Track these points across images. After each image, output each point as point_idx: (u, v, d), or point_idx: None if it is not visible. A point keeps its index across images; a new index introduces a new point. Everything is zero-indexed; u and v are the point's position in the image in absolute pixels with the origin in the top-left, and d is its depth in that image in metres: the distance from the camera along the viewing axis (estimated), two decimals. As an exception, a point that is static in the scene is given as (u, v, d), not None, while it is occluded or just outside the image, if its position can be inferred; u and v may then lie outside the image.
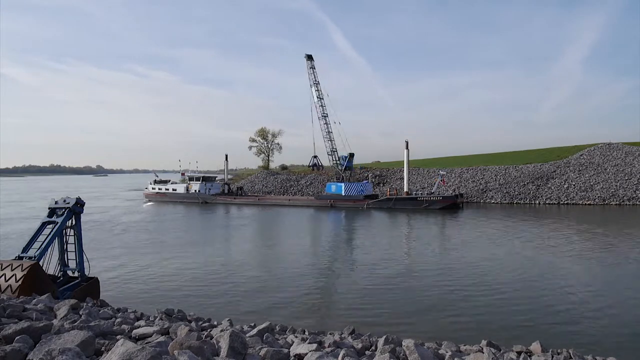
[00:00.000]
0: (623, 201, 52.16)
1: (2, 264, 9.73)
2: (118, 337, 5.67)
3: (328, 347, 6.18)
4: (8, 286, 9.23)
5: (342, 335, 8.51)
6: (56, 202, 11.95)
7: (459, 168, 70.02)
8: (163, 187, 70.71)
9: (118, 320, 7.39)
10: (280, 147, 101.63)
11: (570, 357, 7.15)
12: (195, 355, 4.15)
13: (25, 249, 10.98)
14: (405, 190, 58.67)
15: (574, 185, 57.42)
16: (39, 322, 5.28)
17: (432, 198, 52.02)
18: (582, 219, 39.99)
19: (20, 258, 10.64)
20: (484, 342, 7.64)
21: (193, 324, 8.59)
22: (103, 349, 4.70)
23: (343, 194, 57.88)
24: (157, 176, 75.83)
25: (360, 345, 6.62)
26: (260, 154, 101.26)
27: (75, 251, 12.08)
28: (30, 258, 10.57)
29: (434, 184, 57.96)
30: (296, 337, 7.76)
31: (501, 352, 7.15)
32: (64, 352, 3.72)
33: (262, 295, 16.09)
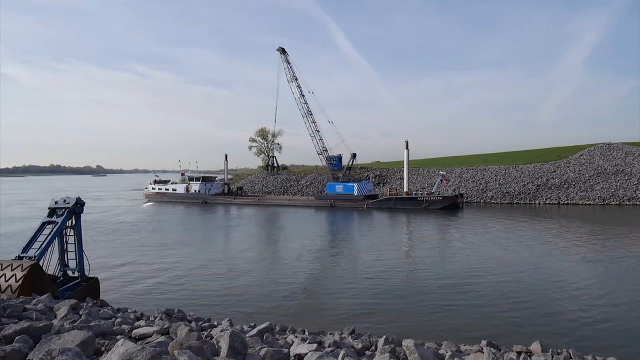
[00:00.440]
0: (623, 201, 52.17)
1: (2, 264, 9.73)
2: (118, 337, 5.68)
3: (328, 347, 6.18)
4: (8, 286, 9.23)
5: (342, 335, 8.51)
6: (56, 202, 11.95)
7: (459, 168, 70.02)
8: (163, 187, 70.69)
9: (118, 320, 7.39)
10: (280, 147, 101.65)
11: (570, 357, 7.15)
12: (195, 355, 4.15)
13: (25, 249, 10.98)
14: (405, 190, 58.67)
15: (574, 185, 57.43)
16: (39, 322, 5.28)
17: (432, 198, 52.02)
18: (582, 219, 39.99)
19: (20, 258, 10.64)
20: (484, 342, 7.64)
21: (193, 324, 8.59)
22: (103, 349, 4.70)
23: (356, 194, 57.58)
24: (157, 176, 75.81)
25: (360, 345, 6.62)
26: (260, 154, 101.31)
27: (75, 251, 12.08)
28: (30, 258, 10.57)
29: (434, 184, 57.98)
30: (296, 337, 7.76)
31: (501, 352, 7.15)
32: (64, 352, 3.73)
33: (262, 295, 16.09)
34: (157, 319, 9.08)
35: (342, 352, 5.50)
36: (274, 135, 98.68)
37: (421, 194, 55.22)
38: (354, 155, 62.88)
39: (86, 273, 12.35)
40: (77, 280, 11.96)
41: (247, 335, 6.37)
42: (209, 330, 7.59)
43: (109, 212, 50.76)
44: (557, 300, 15.01)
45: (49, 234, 11.19)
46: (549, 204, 54.66)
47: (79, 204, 12.02)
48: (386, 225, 39.31)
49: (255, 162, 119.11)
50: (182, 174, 72.80)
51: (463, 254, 23.69)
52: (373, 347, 6.81)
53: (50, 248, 11.09)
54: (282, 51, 60.70)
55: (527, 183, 60.10)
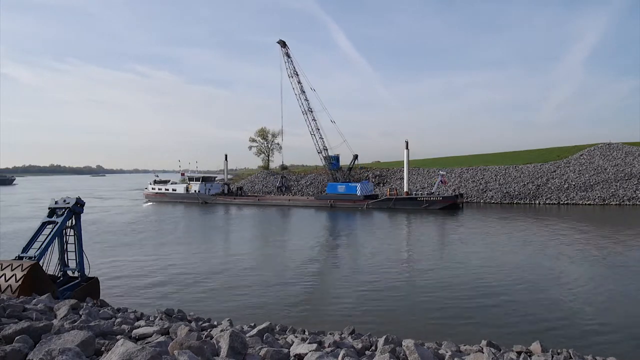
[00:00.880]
0: (623, 201, 52.18)
1: (2, 264, 9.73)
2: (118, 337, 5.68)
3: (328, 347, 6.18)
4: (8, 286, 9.23)
5: (342, 335, 8.51)
6: (56, 202, 11.95)
7: (459, 168, 70.02)
8: (163, 187, 70.69)
9: (118, 320, 7.39)
10: (280, 147, 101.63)
11: (570, 357, 7.15)
12: (195, 355, 4.15)
13: (25, 249, 10.98)
14: (405, 190, 58.65)
15: (574, 185, 57.44)
16: (39, 322, 5.28)
17: (432, 198, 52.01)
18: (582, 219, 39.99)
19: (20, 258, 10.64)
20: (484, 342, 7.64)
21: (193, 324, 8.59)
22: (103, 349, 4.70)
23: (358, 194, 57.51)
24: (157, 176, 75.81)
25: (360, 345, 6.62)
26: (260, 154, 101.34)
27: (75, 251, 12.08)
28: (30, 258, 10.57)
29: (434, 184, 57.97)
30: (296, 337, 7.76)
31: (501, 352, 7.15)
32: (64, 352, 3.73)
33: (262, 295, 16.09)
34: (157, 319, 9.08)
35: (342, 352, 5.50)
36: (274, 135, 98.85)
37: (421, 194, 55.20)
38: (355, 157, 62.60)
39: (86, 273, 12.35)
40: (77, 280, 11.96)
41: (247, 335, 6.37)
42: (209, 330, 7.59)
43: (109, 211, 50.78)
44: (557, 300, 15.01)
45: (49, 234, 11.18)
46: (549, 204, 54.67)
47: (79, 204, 12.01)
48: (386, 225, 39.31)
49: (255, 162, 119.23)
50: (182, 174, 72.78)
51: (463, 254, 23.69)
52: (373, 347, 6.81)
53: (50, 248, 11.09)
54: (283, 44, 59.84)
55: (527, 183, 60.10)
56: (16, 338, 4.52)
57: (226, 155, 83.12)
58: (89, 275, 12.49)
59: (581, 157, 64.69)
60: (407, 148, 58.04)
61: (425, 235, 32.49)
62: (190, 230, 35.95)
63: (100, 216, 44.99)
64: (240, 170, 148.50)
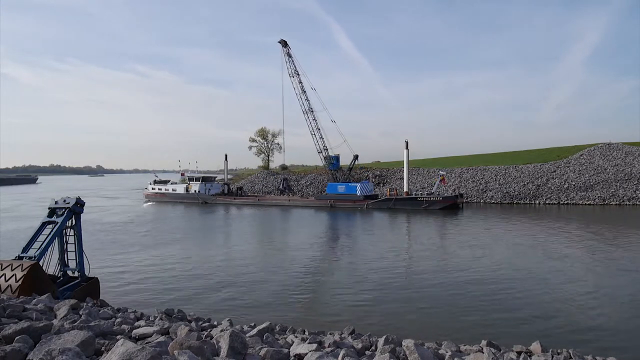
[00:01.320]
0: (623, 201, 52.19)
1: (2, 264, 9.73)
2: (118, 337, 5.68)
3: (328, 347, 6.19)
4: (8, 286, 9.23)
5: (342, 335, 8.51)
6: (56, 202, 11.96)
7: (459, 168, 70.03)
8: (163, 187, 70.71)
9: (118, 320, 7.39)
10: (280, 147, 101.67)
11: (570, 357, 7.15)
12: (195, 355, 4.15)
13: (25, 249, 10.98)
14: (405, 190, 58.66)
15: (574, 185, 57.44)
16: (39, 322, 5.28)
17: (432, 198, 52.00)
18: (582, 219, 39.99)
19: (20, 258, 10.64)
20: (484, 342, 7.64)
21: (193, 324, 8.59)
22: (103, 349, 4.70)
23: (358, 194, 57.49)
24: (156, 176, 75.84)
25: (360, 345, 6.62)
26: (260, 154, 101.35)
27: (75, 251, 12.09)
28: (30, 258, 10.57)
29: (434, 184, 57.96)
30: (296, 337, 7.76)
31: (501, 352, 7.15)
32: (64, 352, 3.73)
33: (262, 295, 16.09)
34: (157, 319, 9.08)
35: (342, 352, 5.50)
36: (274, 135, 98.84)
37: (421, 194, 55.19)
38: (356, 157, 62.58)
39: (86, 273, 12.35)
40: (77, 280, 11.97)
41: (247, 335, 6.38)
42: (209, 330, 7.59)
43: (109, 211, 50.79)
44: (557, 300, 15.01)
45: (49, 234, 11.19)
46: (549, 204, 54.68)
47: (79, 204, 12.02)
48: (386, 225, 39.31)
49: (255, 162, 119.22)
50: (182, 174, 72.79)
51: (463, 254, 23.69)
52: (373, 347, 6.81)
53: (50, 248, 11.09)
54: (284, 44, 59.73)
55: (527, 183, 60.11)
56: (16, 338, 4.52)
57: (226, 155, 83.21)
58: (89, 275, 12.50)
59: (581, 157, 64.70)
60: (407, 148, 58.05)
61: (425, 235, 32.49)
62: (190, 231, 35.94)
63: (100, 216, 44.99)
64: (240, 170, 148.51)
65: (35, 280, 9.61)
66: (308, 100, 60.08)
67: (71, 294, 11.01)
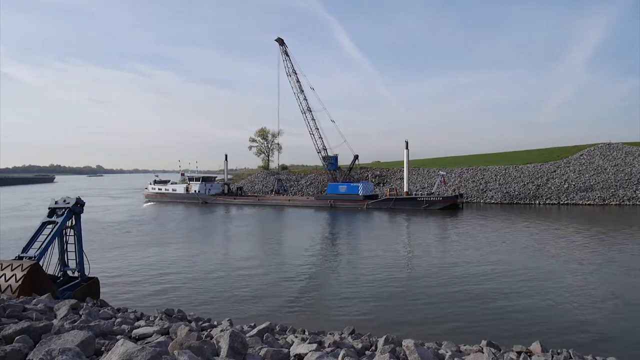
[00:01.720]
0: (623, 201, 52.19)
1: (2, 264, 9.73)
2: (118, 337, 5.68)
3: (328, 347, 6.19)
4: (8, 286, 9.23)
5: (342, 335, 8.51)
6: (56, 202, 11.95)
7: (459, 168, 70.03)
8: (163, 187, 70.74)
9: (118, 320, 7.39)
10: (280, 147, 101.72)
11: (570, 357, 7.15)
12: (195, 355, 4.15)
13: (25, 249, 10.97)
14: (405, 190, 58.66)
15: (574, 185, 57.44)
16: (39, 322, 5.28)
17: (432, 198, 52.00)
18: (583, 219, 40.00)
19: (20, 258, 10.64)
20: (484, 342, 7.64)
21: (193, 324, 8.59)
22: (103, 349, 4.70)
23: (360, 194, 57.44)
24: (156, 176, 75.88)
25: (360, 345, 6.62)
26: (260, 154, 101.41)
27: (75, 251, 12.08)
28: (30, 258, 10.57)
29: (434, 184, 57.96)
30: (296, 337, 7.76)
31: (501, 352, 7.15)
32: (64, 352, 3.73)
33: (262, 295, 16.09)
34: (157, 319, 9.08)
35: (342, 352, 5.50)
36: (274, 135, 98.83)
37: (421, 194, 55.20)
38: (356, 157, 62.54)
39: (86, 273, 12.35)
40: (77, 280, 11.96)
41: (247, 335, 6.37)
42: (209, 330, 7.59)
43: (109, 211, 50.78)
44: (557, 300, 15.01)
45: (49, 234, 11.18)
46: (549, 204, 54.67)
47: (79, 204, 12.01)
48: (386, 225, 39.32)
49: (255, 162, 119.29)
50: (182, 174, 72.82)
51: (463, 254, 23.69)
52: (373, 347, 6.81)
53: (50, 248, 11.09)
54: (281, 42, 59.38)
55: (527, 183, 60.13)
56: (16, 338, 4.52)
57: (226, 155, 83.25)
58: (89, 275, 12.49)
59: (581, 157, 64.70)
60: (407, 148, 58.05)
61: (425, 235, 32.49)
62: (190, 230, 35.94)
63: (100, 216, 44.98)
64: (240, 170, 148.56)
65: (35, 280, 9.60)
66: (306, 99, 59.86)
67: (71, 294, 11.01)
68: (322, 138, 60.92)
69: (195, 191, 67.73)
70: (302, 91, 59.67)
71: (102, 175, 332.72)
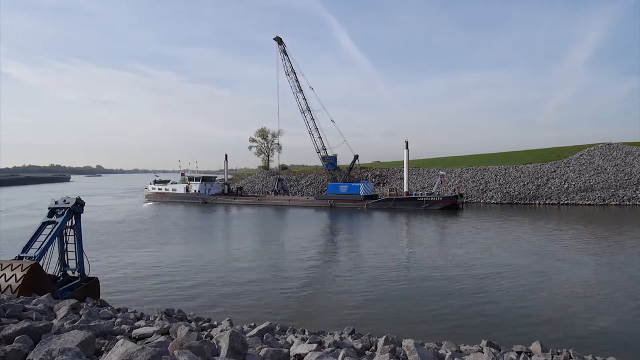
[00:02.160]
0: (623, 201, 52.18)
1: (2, 264, 9.73)
2: (118, 337, 5.68)
3: (328, 347, 6.19)
4: (8, 286, 9.23)
5: (342, 335, 8.51)
6: (56, 202, 11.95)
7: (459, 168, 70.04)
8: (163, 187, 70.78)
9: (118, 320, 7.38)
10: (280, 147, 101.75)
11: (570, 357, 7.14)
12: (195, 355, 4.16)
13: (25, 249, 10.98)
14: (405, 190, 58.67)
15: (574, 185, 57.44)
16: (39, 322, 5.28)
17: (432, 198, 52.01)
18: (583, 219, 40.00)
19: (20, 258, 10.64)
20: (484, 342, 7.64)
21: (193, 324, 8.59)
22: (103, 349, 4.70)
23: (361, 194, 57.38)
24: (157, 176, 75.95)
25: (360, 345, 6.62)
26: (260, 154, 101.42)
27: (75, 251, 12.08)
28: (30, 258, 10.57)
29: (434, 184, 57.97)
30: (296, 337, 7.76)
31: (501, 352, 7.15)
32: (64, 352, 3.73)
33: (262, 295, 16.09)
34: (157, 319, 9.07)
35: (342, 352, 5.50)
36: (274, 135, 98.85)
37: (421, 194, 55.22)
38: (356, 157, 62.55)
39: (86, 273, 12.35)
40: (77, 280, 11.96)
41: (247, 335, 6.38)
42: (209, 330, 7.59)
43: (109, 211, 50.78)
44: (557, 300, 15.02)
45: (49, 234, 11.18)
46: (549, 204, 54.67)
47: (79, 204, 12.02)
48: (386, 225, 39.32)
49: (255, 162, 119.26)
50: (182, 174, 72.87)
51: (463, 254, 23.69)
52: (373, 347, 6.81)
53: (50, 248, 11.09)
54: (279, 41, 59.20)
55: (527, 183, 60.13)
56: (16, 338, 4.52)
57: (226, 155, 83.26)
58: (89, 275, 12.49)
59: (581, 157, 64.71)
60: (407, 148, 58.03)
61: (425, 235, 32.49)
62: (190, 230, 35.94)
63: (100, 216, 44.98)
64: (240, 170, 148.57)
65: (35, 280, 9.61)
66: (305, 99, 59.72)
67: (71, 294, 11.01)
68: (321, 138, 60.97)
69: (195, 191, 67.75)
70: (301, 90, 59.62)
71: (100, 175, 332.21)
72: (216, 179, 77.82)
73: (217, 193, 69.36)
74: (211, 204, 63.94)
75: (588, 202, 53.44)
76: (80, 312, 7.39)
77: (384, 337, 6.42)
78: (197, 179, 69.58)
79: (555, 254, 23.14)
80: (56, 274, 11.84)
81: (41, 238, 11.17)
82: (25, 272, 9.41)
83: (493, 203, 57.41)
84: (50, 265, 11.33)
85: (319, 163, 65.65)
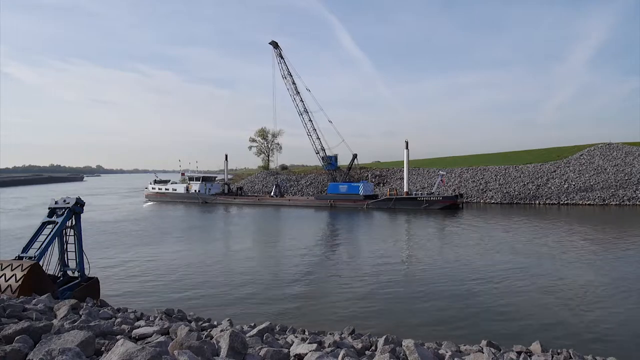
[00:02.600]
0: (623, 201, 52.18)
1: (2, 264, 9.74)
2: (118, 337, 5.68)
3: (328, 347, 6.19)
4: (8, 286, 9.24)
5: (342, 335, 8.51)
6: (56, 202, 11.96)
7: (459, 168, 70.05)
8: (163, 187, 70.81)
9: (118, 320, 7.39)
10: (280, 147, 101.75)
11: (570, 357, 7.15)
12: (195, 355, 4.16)
13: (25, 249, 10.99)
14: (405, 190, 58.68)
15: (574, 185, 57.45)
16: (39, 322, 5.29)
17: (432, 198, 52.02)
18: (583, 219, 40.01)
19: (20, 258, 10.65)
20: (484, 342, 7.65)
21: (193, 324, 8.60)
22: (103, 349, 4.71)
23: (361, 194, 57.41)
24: (157, 176, 75.97)
25: (360, 345, 6.63)
26: (260, 154, 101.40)
27: (75, 251, 12.09)
28: (30, 258, 10.58)
29: (434, 184, 57.99)
30: (296, 337, 7.76)
31: (501, 352, 7.16)
32: (64, 352, 3.73)
33: (262, 295, 16.09)
34: (157, 319, 9.08)
35: (342, 352, 5.50)
36: (274, 135, 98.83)
37: (421, 194, 55.23)
38: (355, 156, 62.62)
39: (86, 273, 12.36)
40: (77, 280, 11.97)
41: (247, 335, 6.38)
42: (209, 330, 7.59)
43: (109, 211, 50.78)
44: (557, 300, 15.01)
45: (49, 234, 11.19)
46: (549, 204, 54.68)
47: (79, 204, 12.03)
48: (386, 225, 39.31)
49: (255, 162, 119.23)
50: (182, 174, 72.89)
51: (463, 254, 23.69)
52: (373, 347, 6.81)
53: (50, 248, 11.10)
54: (275, 45, 59.51)
55: (527, 183, 60.14)
56: (16, 338, 4.52)
57: (226, 155, 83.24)
58: (89, 275, 12.51)
59: (581, 157, 64.72)
60: (407, 148, 58.04)
61: (425, 235, 32.49)
62: (190, 230, 35.94)
63: (100, 216, 44.98)
64: (240, 170, 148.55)
65: (35, 280, 9.62)
66: (302, 101, 60.01)
67: (71, 294, 11.02)
68: (320, 139, 61.07)
69: (195, 191, 67.76)
70: (299, 93, 59.86)
71: (99, 176, 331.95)
72: (216, 179, 77.83)
73: (217, 193, 69.38)
74: (211, 203, 63.96)
75: (588, 202, 53.43)
76: (80, 312, 7.40)
77: (384, 337, 6.43)
78: (197, 179, 69.59)
79: (556, 254, 23.13)
80: (56, 274, 11.85)
81: (41, 238, 11.19)
82: (25, 272, 9.42)
83: (493, 203, 57.41)
84: (50, 265, 11.34)
85: (319, 163, 65.72)
